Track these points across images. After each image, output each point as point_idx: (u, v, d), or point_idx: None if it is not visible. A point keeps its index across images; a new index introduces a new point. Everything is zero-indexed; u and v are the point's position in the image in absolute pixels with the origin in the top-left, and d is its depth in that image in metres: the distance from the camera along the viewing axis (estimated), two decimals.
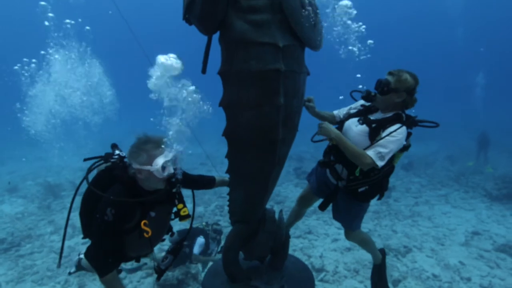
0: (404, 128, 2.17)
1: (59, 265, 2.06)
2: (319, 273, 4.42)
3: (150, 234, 1.78)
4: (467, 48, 35.61)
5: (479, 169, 9.76)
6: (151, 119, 1.77)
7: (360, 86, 2.56)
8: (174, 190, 1.83)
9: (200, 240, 4.11)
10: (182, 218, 1.93)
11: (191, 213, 2.02)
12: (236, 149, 1.87)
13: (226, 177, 2.29)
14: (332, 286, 4.18)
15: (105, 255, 1.78)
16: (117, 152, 1.96)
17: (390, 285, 4.18)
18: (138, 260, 2.09)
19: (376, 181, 2.37)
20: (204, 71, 1.70)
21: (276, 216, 2.42)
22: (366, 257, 4.76)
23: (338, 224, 6.00)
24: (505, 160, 11.48)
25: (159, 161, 1.72)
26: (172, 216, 2.03)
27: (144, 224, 1.78)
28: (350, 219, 2.72)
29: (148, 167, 1.73)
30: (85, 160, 1.98)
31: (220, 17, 1.51)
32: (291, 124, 1.84)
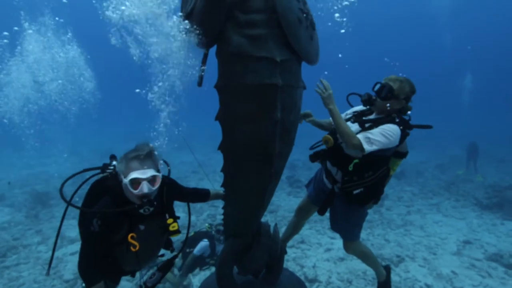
0: (396, 126, 2.19)
1: (48, 273, 2.04)
2: (312, 284, 4.38)
3: (137, 248, 1.74)
4: (455, 53, 36.11)
5: (469, 178, 9.88)
6: (137, 90, 1.73)
7: (347, 66, 2.56)
8: (141, 211, 1.73)
9: (203, 243, 4.02)
10: (171, 233, 1.88)
11: (186, 224, 1.98)
12: (232, 163, 1.86)
13: (221, 190, 2.27)
14: None
15: (92, 266, 1.76)
16: (114, 163, 1.93)
17: None
18: (133, 275, 2.04)
19: (370, 183, 2.36)
20: (200, 84, 1.69)
21: (271, 229, 2.39)
22: (359, 267, 4.73)
23: (331, 234, 6.01)
24: (494, 169, 11.66)
25: (131, 175, 1.67)
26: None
27: (131, 237, 1.74)
28: (348, 228, 2.68)
29: (122, 177, 1.71)
30: (85, 170, 1.96)
31: (217, 31, 1.51)
32: (288, 139, 1.83)
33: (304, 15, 1.60)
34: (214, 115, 1.71)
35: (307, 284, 4.41)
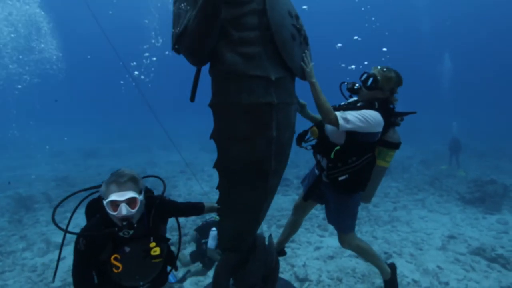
0: (376, 112, 2.22)
1: (53, 280, 2.02)
2: (303, 283, 4.42)
3: (120, 269, 1.75)
4: (433, 37, 36.01)
5: (452, 173, 10.15)
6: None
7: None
8: (120, 234, 1.73)
9: (213, 232, 3.95)
10: (153, 258, 1.86)
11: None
12: (228, 181, 1.85)
13: (215, 205, 2.29)
14: None
15: (81, 282, 1.79)
16: None
17: None
18: None
19: (354, 169, 2.36)
20: (192, 99, 1.67)
21: (266, 241, 2.40)
22: (348, 264, 4.82)
23: (320, 232, 6.09)
24: (475, 164, 12.02)
25: (109, 197, 1.69)
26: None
27: (115, 258, 1.75)
28: (340, 218, 2.67)
29: (103, 199, 1.72)
30: (86, 189, 1.95)
31: (211, 49, 1.49)
32: (283, 156, 1.83)
33: (297, 30, 1.60)
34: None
35: (298, 284, 4.46)
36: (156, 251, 1.83)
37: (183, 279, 4.11)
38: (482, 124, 24.63)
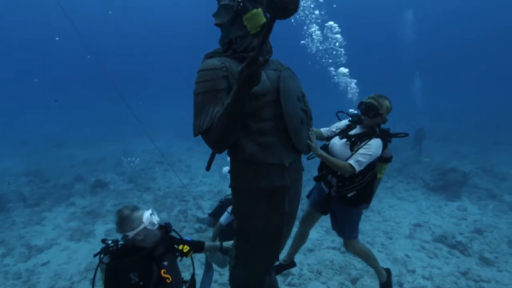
0: (378, 140, 2.60)
1: None
2: (286, 278, 4.74)
3: (171, 279, 1.97)
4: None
5: (418, 159, 10.85)
6: None
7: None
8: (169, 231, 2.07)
9: (227, 213, 3.95)
10: (185, 254, 2.19)
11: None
12: (244, 243, 2.07)
13: (217, 244, 2.58)
14: None
15: None
16: (109, 241, 2.03)
17: (349, 283, 4.66)
18: None
19: (360, 186, 2.73)
20: (208, 169, 1.83)
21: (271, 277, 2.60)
22: (326, 257, 5.19)
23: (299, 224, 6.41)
24: (439, 149, 12.84)
25: (145, 215, 1.97)
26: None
27: (164, 272, 1.96)
28: (347, 228, 3.04)
29: (141, 226, 1.94)
30: (95, 256, 2.00)
31: (233, 140, 1.63)
32: (293, 221, 2.06)
33: (304, 112, 1.79)
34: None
35: (281, 278, 4.78)
36: (186, 248, 2.17)
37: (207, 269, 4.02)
38: (446, 99, 25.70)
